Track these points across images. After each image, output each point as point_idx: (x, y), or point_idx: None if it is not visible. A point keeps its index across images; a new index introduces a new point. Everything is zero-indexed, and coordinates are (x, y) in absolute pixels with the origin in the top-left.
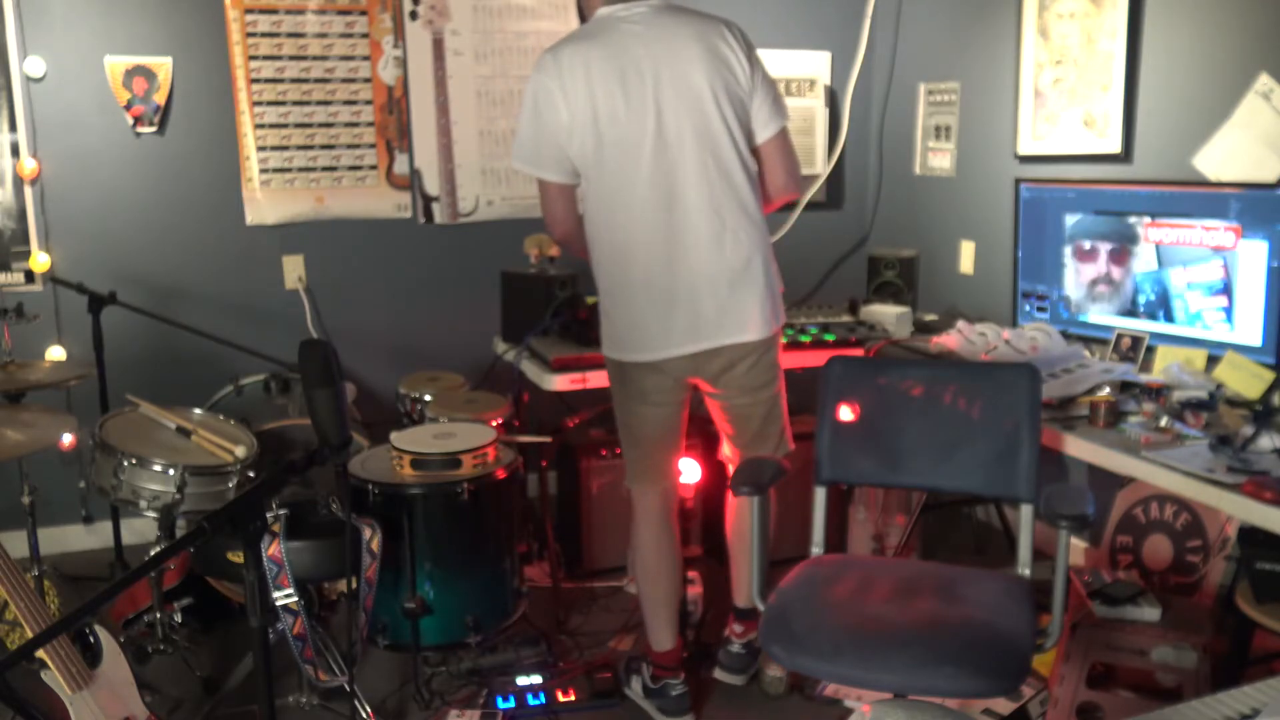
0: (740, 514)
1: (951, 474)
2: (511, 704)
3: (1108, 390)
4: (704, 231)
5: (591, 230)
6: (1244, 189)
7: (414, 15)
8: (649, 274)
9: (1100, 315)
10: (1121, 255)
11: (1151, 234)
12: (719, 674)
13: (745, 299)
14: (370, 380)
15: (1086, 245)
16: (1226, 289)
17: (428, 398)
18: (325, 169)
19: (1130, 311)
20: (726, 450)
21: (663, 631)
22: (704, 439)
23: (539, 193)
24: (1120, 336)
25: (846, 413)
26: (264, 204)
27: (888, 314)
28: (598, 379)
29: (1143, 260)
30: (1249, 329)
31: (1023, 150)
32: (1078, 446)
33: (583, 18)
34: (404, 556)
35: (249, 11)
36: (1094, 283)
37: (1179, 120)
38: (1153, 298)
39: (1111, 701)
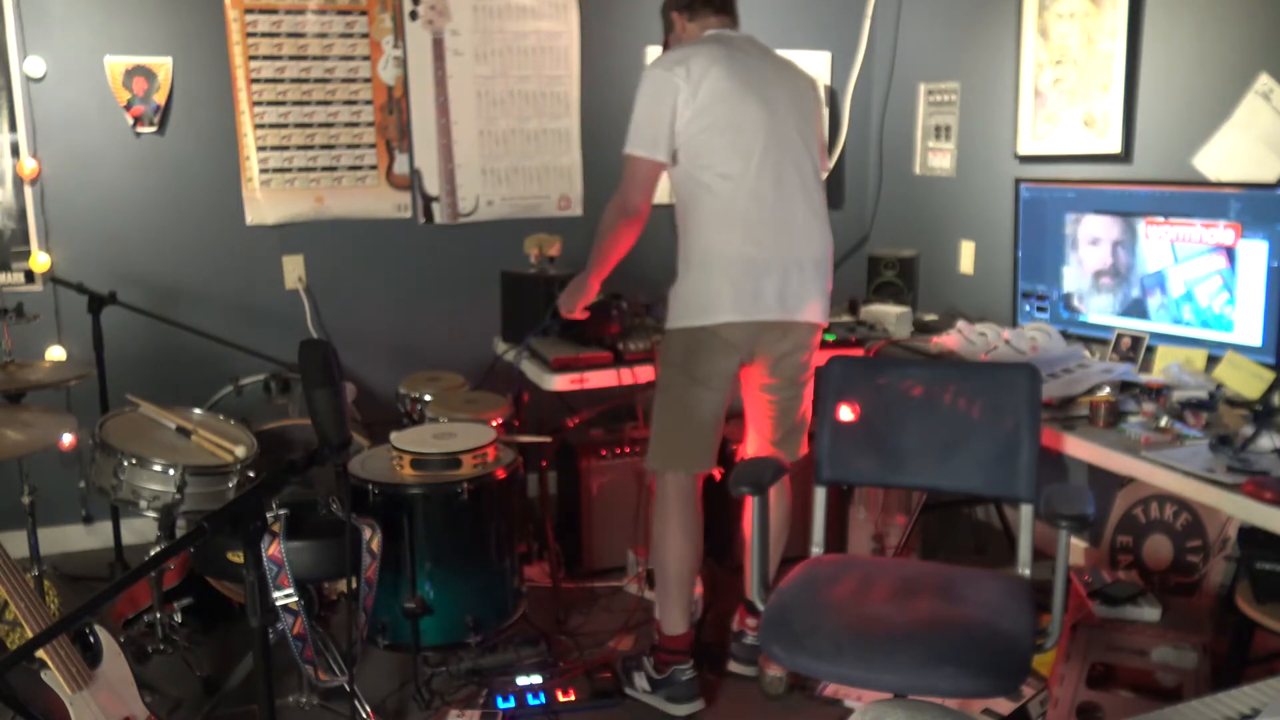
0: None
1: (951, 474)
2: (511, 704)
3: (1108, 390)
4: (801, 216)
5: (694, 199)
6: (1244, 189)
7: (414, 15)
8: (752, 243)
9: (1100, 315)
10: (1121, 255)
11: (1151, 234)
12: (733, 666)
13: (818, 286)
14: (370, 380)
15: (1086, 245)
16: (1226, 289)
17: (428, 398)
18: (325, 169)
19: (1130, 311)
20: (752, 450)
21: (680, 615)
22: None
23: (630, 172)
24: (1120, 336)
25: (846, 413)
26: (264, 204)
27: (888, 314)
28: (598, 379)
29: (1142, 260)
30: (1249, 329)
31: (1023, 150)
32: (1078, 446)
33: (666, 45)
34: (404, 556)
35: (249, 11)
36: (1095, 280)
37: (1179, 120)
38: (1152, 298)
39: (1111, 701)
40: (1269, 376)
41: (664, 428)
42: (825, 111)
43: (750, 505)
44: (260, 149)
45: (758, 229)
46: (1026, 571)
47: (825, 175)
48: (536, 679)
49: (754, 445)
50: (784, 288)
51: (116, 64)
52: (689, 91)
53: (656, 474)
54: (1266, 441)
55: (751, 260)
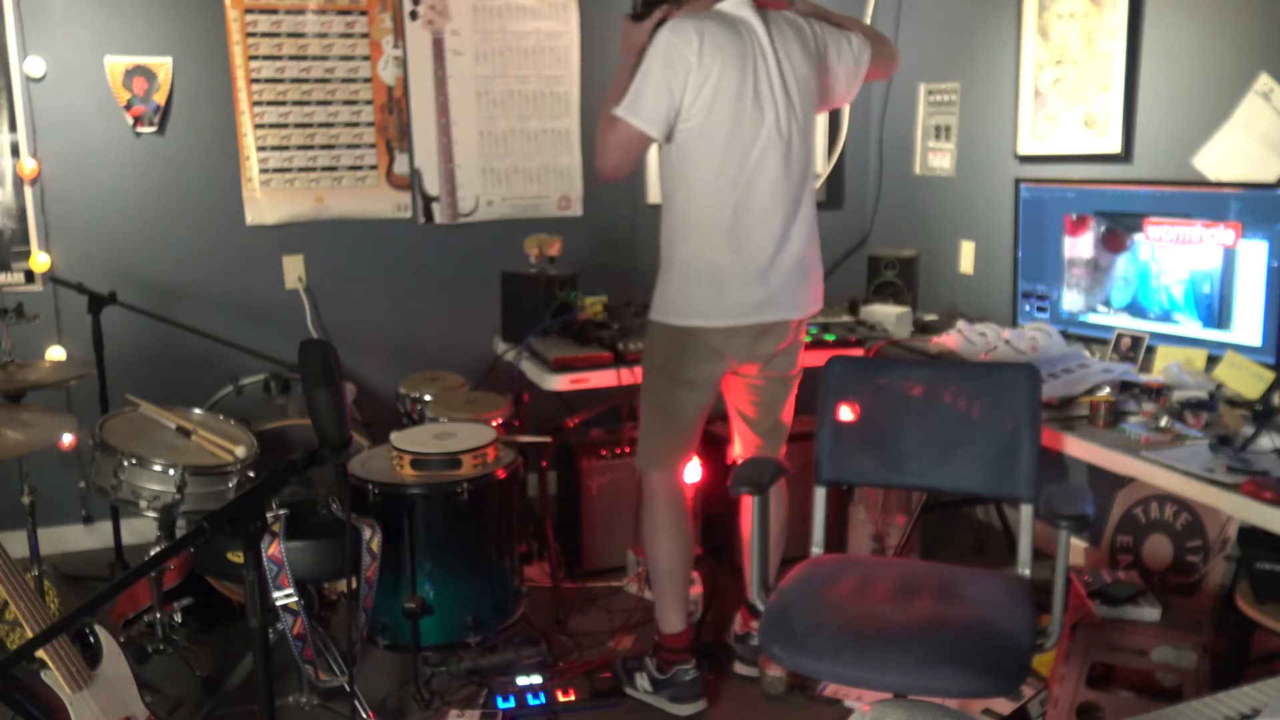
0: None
1: (951, 474)
2: (511, 704)
3: (1108, 390)
4: (787, 220)
5: (680, 198)
6: (1244, 189)
7: (414, 15)
8: (734, 253)
9: (1100, 315)
10: (1121, 255)
11: (1151, 233)
12: (740, 668)
13: (802, 284)
14: (370, 380)
15: (1087, 244)
16: (1226, 289)
17: (428, 398)
18: (325, 169)
19: (1130, 311)
20: (739, 449)
21: (676, 613)
22: (704, 439)
23: (614, 134)
24: (1120, 336)
25: (846, 413)
26: (264, 204)
27: (888, 314)
28: (598, 379)
29: (1142, 260)
30: (1249, 329)
31: (1023, 150)
32: (1078, 446)
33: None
34: (404, 556)
35: (249, 11)
36: (1094, 281)
37: (1179, 120)
38: (1153, 298)
39: (1111, 701)
40: (1269, 376)
41: (650, 428)
42: (820, 51)
43: (747, 506)
44: (260, 149)
45: (742, 240)
46: (1026, 571)
47: (869, 57)
48: (536, 679)
49: (741, 444)
50: (766, 294)
51: (116, 64)
52: (699, 77)
53: (643, 473)
54: (1266, 441)
55: (733, 269)
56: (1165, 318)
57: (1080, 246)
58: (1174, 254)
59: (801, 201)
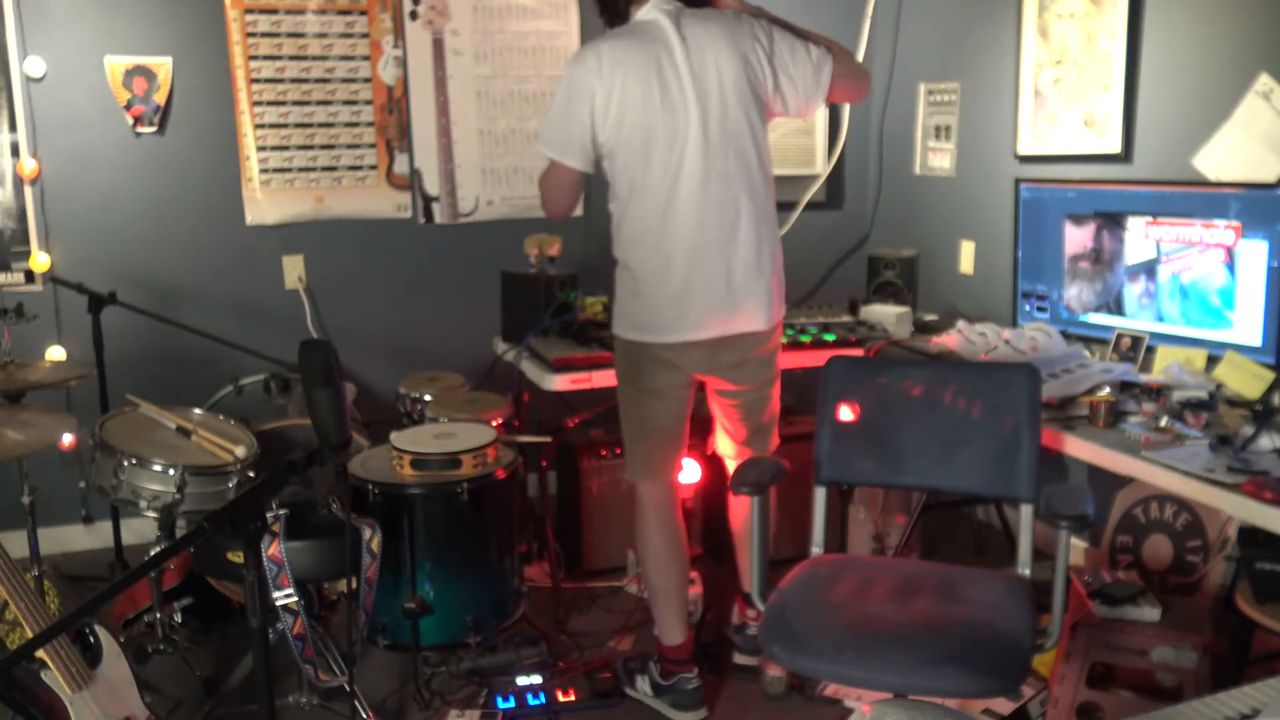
0: (744, 504)
1: (951, 474)
2: (511, 704)
3: (1108, 390)
4: (730, 224)
5: (618, 207)
6: (1244, 189)
7: (414, 15)
8: (672, 264)
9: (1100, 315)
10: (1121, 255)
11: (1151, 234)
12: (739, 658)
13: (757, 290)
14: (370, 380)
15: (1087, 244)
16: (1226, 289)
17: (428, 398)
18: (325, 169)
19: (1129, 311)
20: (724, 447)
21: (674, 625)
22: (703, 439)
23: (548, 174)
24: (1120, 336)
25: (846, 413)
26: (264, 204)
27: (888, 314)
28: (598, 379)
29: (1143, 260)
30: (1249, 329)
31: (1023, 150)
32: (1078, 446)
33: (617, 15)
34: (404, 556)
35: (249, 11)
36: (1093, 281)
37: (1179, 120)
38: (1153, 298)
39: (1111, 701)
40: (1269, 376)
41: (629, 439)
42: (766, 54)
43: (734, 501)
44: (260, 149)
45: (680, 250)
46: (1026, 571)
47: (829, 78)
48: (536, 679)
49: (724, 445)
50: (712, 307)
51: (116, 64)
52: (604, 98)
53: (633, 484)
54: (1266, 441)
55: (673, 282)
56: (1165, 318)
57: (1096, 268)
58: (1174, 254)
59: (748, 202)
